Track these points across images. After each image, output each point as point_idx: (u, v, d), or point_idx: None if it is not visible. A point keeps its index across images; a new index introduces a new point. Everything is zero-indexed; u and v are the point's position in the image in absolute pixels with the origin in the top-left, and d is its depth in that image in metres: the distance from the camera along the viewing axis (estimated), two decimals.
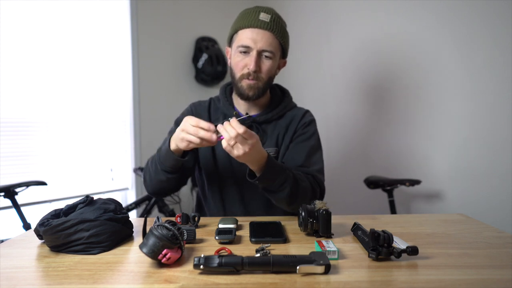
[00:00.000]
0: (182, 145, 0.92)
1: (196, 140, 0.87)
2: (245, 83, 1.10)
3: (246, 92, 1.10)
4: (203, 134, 0.86)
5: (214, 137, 0.86)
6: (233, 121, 0.85)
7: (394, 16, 2.15)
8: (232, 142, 0.84)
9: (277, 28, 1.08)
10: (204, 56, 2.67)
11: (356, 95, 2.39)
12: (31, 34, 1.90)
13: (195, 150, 1.17)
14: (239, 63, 1.09)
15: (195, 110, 1.23)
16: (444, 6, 1.91)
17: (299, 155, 1.12)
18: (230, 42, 1.16)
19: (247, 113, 1.17)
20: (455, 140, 1.92)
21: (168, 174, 1.04)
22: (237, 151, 0.86)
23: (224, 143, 0.86)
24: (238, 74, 1.10)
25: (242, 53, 1.08)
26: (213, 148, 1.16)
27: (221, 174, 1.16)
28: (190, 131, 0.87)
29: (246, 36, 1.06)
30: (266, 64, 1.09)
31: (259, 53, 1.07)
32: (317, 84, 2.59)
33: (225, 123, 0.86)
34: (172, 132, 1.13)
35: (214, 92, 2.22)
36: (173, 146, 0.96)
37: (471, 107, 1.84)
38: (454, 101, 1.91)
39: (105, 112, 2.24)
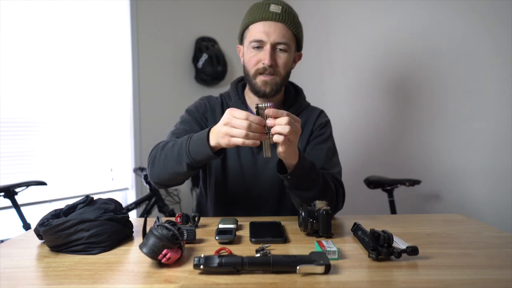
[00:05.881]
0: (224, 141, 0.80)
1: (242, 134, 0.76)
2: (259, 79, 1.03)
3: (262, 89, 1.03)
4: (256, 127, 0.76)
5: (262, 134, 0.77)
6: (274, 110, 0.76)
7: (394, 15, 2.15)
8: (293, 136, 0.77)
9: (290, 19, 1.02)
10: (204, 56, 2.67)
11: (356, 95, 2.39)
12: (31, 34, 1.90)
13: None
14: (252, 59, 1.02)
15: (208, 104, 1.14)
16: (445, 5, 1.91)
17: (318, 158, 1.07)
18: (241, 40, 1.10)
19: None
20: (455, 140, 1.91)
21: (191, 169, 0.90)
22: (293, 141, 0.78)
23: (279, 138, 0.76)
24: (252, 71, 1.04)
25: (255, 49, 1.02)
26: (224, 161, 1.10)
27: (230, 185, 1.11)
28: (237, 125, 0.76)
29: (258, 30, 1.00)
30: (282, 57, 1.02)
31: (273, 47, 1.00)
32: (317, 84, 2.59)
33: (268, 118, 0.77)
34: (186, 120, 1.08)
35: (214, 92, 2.22)
36: (212, 142, 0.83)
37: (471, 107, 1.84)
38: (454, 101, 1.91)
39: (105, 112, 2.24)
